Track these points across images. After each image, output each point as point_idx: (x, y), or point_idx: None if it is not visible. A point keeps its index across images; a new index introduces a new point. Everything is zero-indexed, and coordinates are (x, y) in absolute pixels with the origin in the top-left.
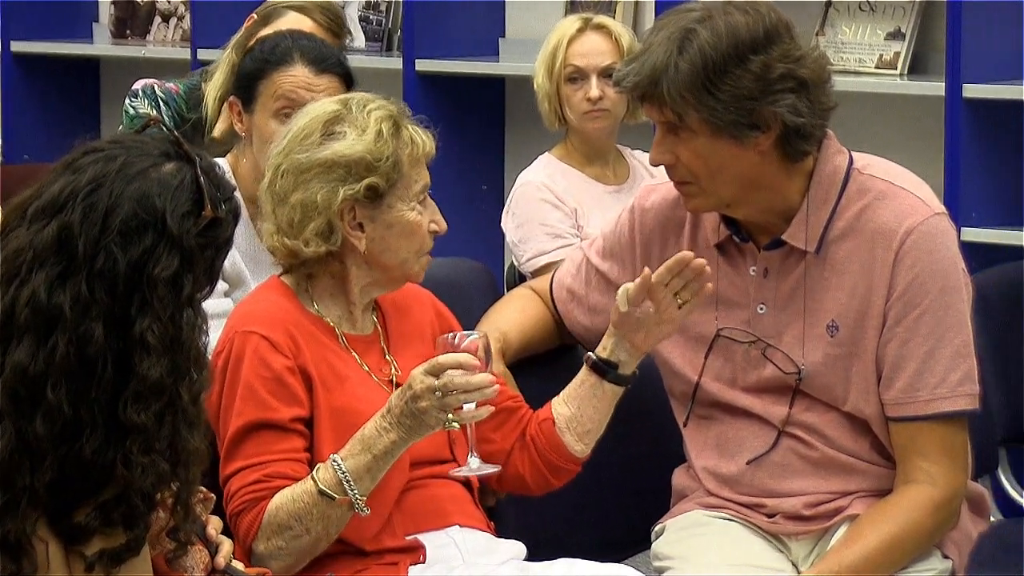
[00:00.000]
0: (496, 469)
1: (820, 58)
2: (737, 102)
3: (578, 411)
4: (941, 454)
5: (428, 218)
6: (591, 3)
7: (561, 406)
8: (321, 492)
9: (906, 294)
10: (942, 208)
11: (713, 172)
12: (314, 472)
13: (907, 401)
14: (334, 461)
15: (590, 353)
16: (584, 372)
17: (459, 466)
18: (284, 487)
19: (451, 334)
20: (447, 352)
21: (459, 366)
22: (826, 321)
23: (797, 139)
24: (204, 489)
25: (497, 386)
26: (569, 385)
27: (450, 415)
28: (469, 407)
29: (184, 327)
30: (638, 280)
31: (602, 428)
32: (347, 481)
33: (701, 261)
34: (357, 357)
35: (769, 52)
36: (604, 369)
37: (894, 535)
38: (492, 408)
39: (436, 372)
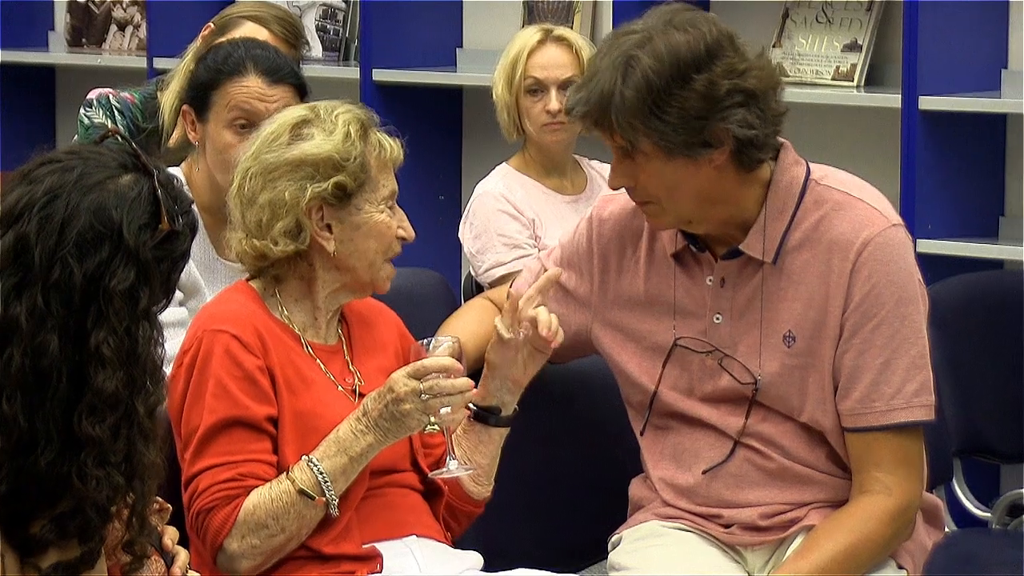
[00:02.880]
0: (473, 470)
1: (766, 66)
2: (686, 123)
3: (467, 457)
4: (897, 464)
5: (396, 224)
6: (549, 3)
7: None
8: (301, 492)
9: (862, 305)
10: (899, 219)
11: (672, 191)
12: (290, 472)
13: (863, 412)
14: (311, 462)
15: (471, 405)
16: (466, 422)
17: (422, 475)
18: (256, 487)
19: (425, 340)
20: (422, 358)
21: (443, 370)
22: (782, 331)
23: (751, 149)
24: (160, 500)
25: (476, 390)
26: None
27: (432, 418)
28: (446, 411)
29: (140, 340)
30: (506, 306)
31: (495, 466)
32: (325, 482)
33: (556, 270)
34: (322, 365)
35: (712, 69)
36: (487, 416)
37: (849, 545)
38: (468, 412)
39: (420, 376)
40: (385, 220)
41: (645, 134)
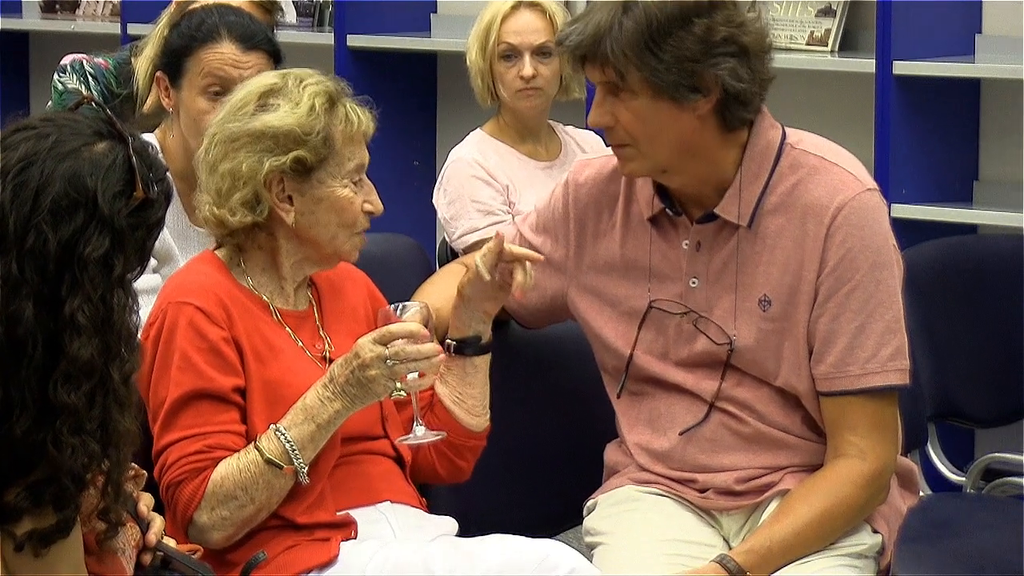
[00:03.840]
0: (441, 436)
1: (762, 27)
2: (679, 63)
3: (458, 391)
4: (871, 428)
5: (362, 198)
6: None
7: (440, 386)
8: (268, 461)
9: (837, 269)
10: (874, 184)
11: (651, 135)
12: (257, 442)
13: (838, 376)
14: (278, 431)
15: (448, 340)
16: (447, 362)
17: (393, 440)
18: (225, 458)
19: (393, 305)
20: (390, 323)
21: (410, 335)
22: (758, 295)
23: (736, 105)
24: (136, 466)
25: (443, 355)
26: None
27: (398, 383)
28: (413, 376)
29: (115, 307)
30: (490, 246)
31: (487, 395)
32: (292, 451)
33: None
34: (291, 332)
35: (712, 16)
36: (466, 347)
37: (825, 509)
38: (436, 377)
39: (385, 341)
40: (347, 195)
41: (637, 68)
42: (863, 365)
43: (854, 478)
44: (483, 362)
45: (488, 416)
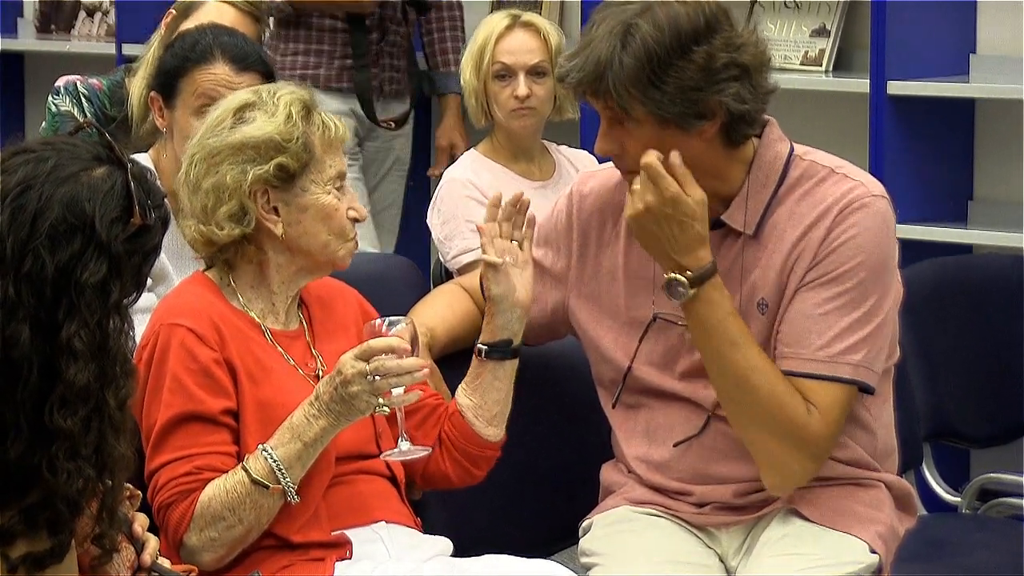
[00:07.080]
0: (427, 452)
1: (759, 42)
2: (682, 93)
3: (481, 400)
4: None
5: (346, 205)
6: (517, 1)
7: (463, 398)
8: (255, 481)
9: (830, 255)
10: (887, 195)
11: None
12: (245, 462)
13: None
14: (264, 451)
15: (480, 345)
16: (477, 364)
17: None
18: (214, 479)
19: (378, 320)
20: (375, 338)
21: (390, 350)
22: (756, 299)
23: (741, 124)
24: (131, 486)
25: (427, 370)
26: (465, 378)
27: (381, 399)
28: (398, 391)
29: (111, 333)
30: (483, 240)
31: (509, 404)
32: (279, 470)
33: (517, 193)
34: (283, 352)
35: (711, 42)
36: (495, 352)
37: (773, 371)
38: (421, 392)
39: (367, 357)
40: (332, 202)
41: (641, 102)
42: (814, 352)
43: (804, 410)
44: (512, 367)
45: (504, 428)
